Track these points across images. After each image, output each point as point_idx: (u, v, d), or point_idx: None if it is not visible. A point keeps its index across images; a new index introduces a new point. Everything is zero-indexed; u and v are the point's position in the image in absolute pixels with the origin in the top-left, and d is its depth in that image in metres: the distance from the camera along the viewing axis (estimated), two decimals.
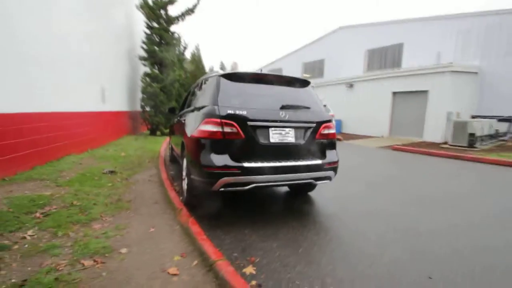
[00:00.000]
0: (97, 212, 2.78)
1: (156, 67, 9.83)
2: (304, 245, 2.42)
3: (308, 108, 3.13)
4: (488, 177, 5.48)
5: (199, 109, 3.14)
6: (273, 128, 2.83)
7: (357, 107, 15.47)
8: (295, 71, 23.47)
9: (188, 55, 17.34)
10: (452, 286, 1.84)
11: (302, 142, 2.97)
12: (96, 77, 6.79)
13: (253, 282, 1.78)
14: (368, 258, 2.18)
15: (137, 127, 10.65)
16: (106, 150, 6.66)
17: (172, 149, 5.57)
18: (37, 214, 2.63)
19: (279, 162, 2.81)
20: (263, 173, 2.71)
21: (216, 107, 2.73)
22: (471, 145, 9.37)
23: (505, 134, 10.83)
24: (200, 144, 2.73)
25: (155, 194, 3.59)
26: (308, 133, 3.02)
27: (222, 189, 2.65)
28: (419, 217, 3.13)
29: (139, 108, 10.27)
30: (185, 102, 5.09)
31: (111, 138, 7.95)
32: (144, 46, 9.54)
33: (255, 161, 2.72)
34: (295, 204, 3.55)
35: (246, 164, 2.65)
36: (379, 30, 17.46)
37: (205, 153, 2.67)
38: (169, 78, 9.83)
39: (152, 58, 9.57)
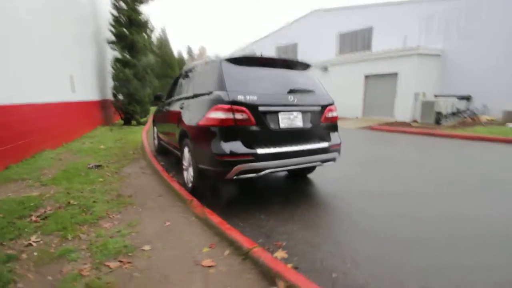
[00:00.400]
0: (101, 210, 2.58)
1: (127, 52, 9.10)
2: (322, 225, 2.49)
3: (313, 91, 3.13)
4: (463, 150, 6.03)
5: (201, 95, 2.98)
6: (282, 113, 2.79)
7: (332, 90, 15.85)
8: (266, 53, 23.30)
9: (154, 39, 16.31)
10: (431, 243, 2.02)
11: (309, 125, 2.98)
12: (62, 63, 6.11)
13: (289, 265, 1.79)
14: (374, 233, 2.31)
15: (110, 117, 9.93)
16: (82, 143, 6.14)
17: (159, 139, 5.30)
18: (33, 218, 2.36)
19: (290, 146, 2.80)
20: (276, 159, 2.69)
21: (224, 92, 2.60)
22: (437, 122, 10.17)
23: (464, 111, 11.89)
24: (210, 132, 2.61)
25: (155, 187, 3.41)
26: (315, 116, 3.03)
27: (235, 177, 2.60)
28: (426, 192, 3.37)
29: (110, 97, 9.53)
30: (172, 89, 4.82)
31: (84, 130, 7.33)
32: (112, 29, 8.73)
33: (267, 147, 2.68)
34: (299, 187, 3.60)
35: (259, 151, 2.61)
36: (350, 14, 17.78)
37: (217, 141, 2.57)
38: (141, 63, 9.18)
39: (122, 41, 8.82)
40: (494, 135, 7.29)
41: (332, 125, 3.25)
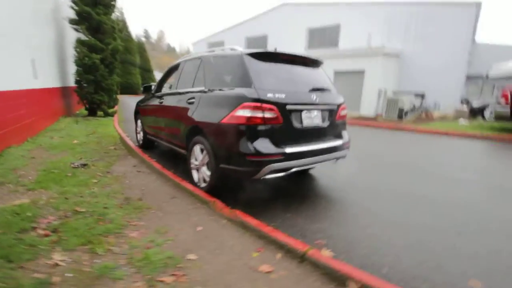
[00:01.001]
0: (118, 217, 2.31)
1: (93, 34, 8.14)
2: (351, 221, 2.58)
3: (330, 90, 3.18)
4: (431, 143, 6.72)
5: (219, 91, 2.81)
6: (305, 112, 2.79)
7: None
8: (238, 46, 22.89)
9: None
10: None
11: (327, 124, 3.03)
12: (22, 45, 5.22)
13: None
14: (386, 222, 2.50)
15: (71, 107, 8.86)
16: (50, 137, 5.40)
17: (146, 133, 4.92)
18: (39, 231, 2.02)
19: (313, 145, 2.83)
20: (301, 157, 2.70)
21: (252, 89, 2.50)
22: (400, 117, 11.17)
23: (419, 108, 13.22)
24: (237, 131, 2.50)
25: (162, 188, 3.17)
26: (331, 115, 3.09)
27: (264, 176, 2.55)
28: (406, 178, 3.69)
29: (71, 84, 8.49)
30: (163, 80, 4.48)
31: (47, 122, 6.45)
32: (75, 7, 7.70)
33: (294, 145, 2.67)
34: (303, 182, 3.67)
35: (287, 150, 2.58)
36: (319, 10, 18.25)
37: (246, 141, 2.47)
38: (110, 47, 8.31)
39: (86, 22, 7.83)
40: (452, 130, 8.29)
41: (344, 123, 3.35)
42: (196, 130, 3.09)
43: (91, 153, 4.58)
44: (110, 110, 9.18)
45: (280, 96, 2.58)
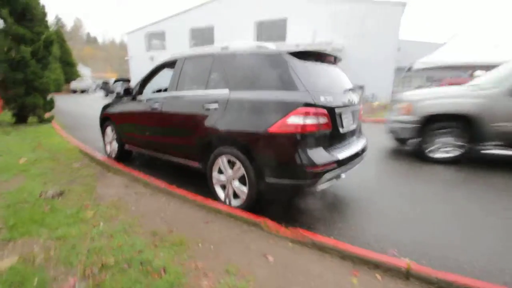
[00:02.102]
0: (167, 262, 1.81)
1: (16, 20, 6.44)
2: (393, 219, 2.58)
3: (354, 89, 3.11)
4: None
5: (257, 95, 2.44)
6: (343, 114, 2.66)
7: None
8: (181, 37, 21.42)
9: None
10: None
11: (356, 125, 2.98)
12: None
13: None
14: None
15: None
16: None
17: (122, 143, 4.14)
18: None
19: (352, 148, 2.74)
20: (347, 162, 2.58)
21: (306, 93, 2.25)
22: None
23: (360, 99, 14.58)
24: (294, 141, 2.22)
25: (184, 211, 2.66)
26: (357, 115, 3.04)
27: (321, 187, 2.36)
28: None
29: None
30: (146, 80, 3.80)
31: None
32: None
33: (342, 151, 2.54)
34: None
35: (340, 156, 2.43)
36: (267, 2, 18.29)
37: (304, 151, 2.23)
38: (43, 37, 6.74)
39: (8, 5, 6.13)
40: None
41: (361, 123, 3.36)
42: (221, 140, 2.67)
43: (55, 175, 3.62)
44: (48, 117, 7.53)
45: (329, 99, 2.38)
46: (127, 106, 3.94)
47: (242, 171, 2.53)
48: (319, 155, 2.26)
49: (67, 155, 4.64)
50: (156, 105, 3.36)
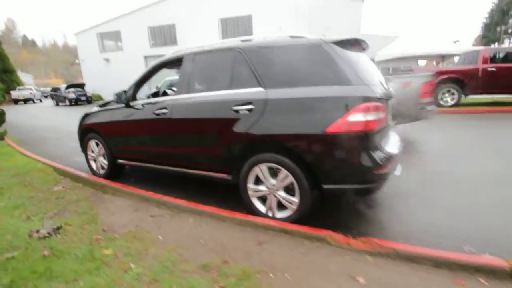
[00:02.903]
0: None
1: None
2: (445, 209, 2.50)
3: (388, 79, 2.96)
4: None
5: (303, 92, 2.13)
6: (387, 107, 2.49)
7: None
8: (139, 37, 19.95)
9: None
10: None
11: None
12: None
13: None
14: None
15: None
16: None
17: (114, 158, 3.54)
18: None
19: (394, 142, 2.59)
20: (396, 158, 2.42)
21: (365, 86, 2.01)
22: None
23: None
24: (359, 141, 1.99)
25: (221, 231, 2.26)
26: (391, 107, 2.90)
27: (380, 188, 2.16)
28: None
29: None
30: (142, 83, 3.28)
31: None
32: None
33: (392, 146, 2.36)
34: None
35: (395, 152, 2.26)
36: None
37: (370, 151, 2.00)
38: None
39: None
40: None
41: None
42: (259, 146, 2.33)
43: (38, 206, 2.94)
44: None
45: (383, 92, 2.19)
46: (119, 114, 3.34)
47: (290, 179, 2.22)
48: (382, 154, 2.05)
49: (41, 177, 3.85)
50: (162, 111, 2.86)
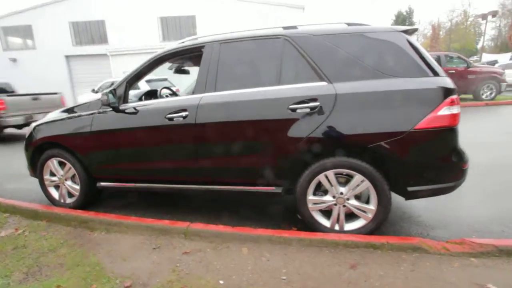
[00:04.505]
0: None
1: None
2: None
3: None
4: None
5: (384, 85, 1.87)
6: None
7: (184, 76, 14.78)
8: (57, 33, 16.86)
9: None
10: None
11: None
12: None
13: None
14: None
15: None
16: None
17: (93, 180, 2.68)
18: None
19: None
20: None
21: (446, 78, 1.89)
22: None
23: None
24: (450, 136, 1.86)
25: (290, 258, 1.82)
26: None
27: None
28: None
29: None
30: (137, 77, 2.58)
31: None
32: None
33: None
34: None
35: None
36: None
37: (456, 146, 1.90)
38: None
39: None
40: None
41: None
42: (327, 150, 1.98)
43: None
44: None
45: None
46: (105, 121, 2.50)
47: (365, 185, 1.94)
48: (463, 148, 1.96)
49: None
50: (181, 115, 2.23)
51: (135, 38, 16.36)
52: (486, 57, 23.13)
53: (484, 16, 19.17)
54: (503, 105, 9.07)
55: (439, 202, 2.56)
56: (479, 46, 35.65)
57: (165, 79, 9.25)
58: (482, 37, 24.09)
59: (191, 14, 16.90)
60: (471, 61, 10.67)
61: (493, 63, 15.95)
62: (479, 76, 9.28)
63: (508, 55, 21.60)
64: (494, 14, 19.31)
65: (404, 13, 38.13)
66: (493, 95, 9.40)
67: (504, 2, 33.19)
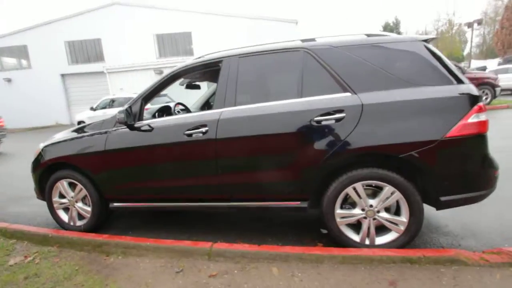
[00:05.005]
0: None
1: None
2: None
3: None
4: None
5: (409, 94, 1.85)
6: None
7: (173, 93, 14.81)
8: (53, 52, 16.89)
9: None
10: None
11: None
12: None
13: None
14: None
15: None
16: None
17: (103, 202, 2.58)
18: None
19: None
20: None
21: (472, 86, 1.89)
22: None
23: None
24: (481, 143, 1.82)
25: (324, 277, 1.74)
26: None
27: None
28: None
29: None
30: (153, 94, 2.54)
31: None
32: None
33: None
34: None
35: None
36: (167, 15, 16.88)
37: (487, 153, 1.86)
38: None
39: None
40: None
41: None
42: (354, 161, 1.94)
43: None
44: None
45: None
46: (120, 139, 2.43)
47: (396, 196, 1.89)
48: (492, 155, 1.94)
49: None
50: (200, 130, 2.17)
51: (132, 55, 16.44)
52: (475, 63, 23.81)
53: (469, 24, 19.84)
54: (499, 110, 9.22)
55: (460, 210, 2.52)
56: (465, 53, 36.84)
57: (165, 95, 9.22)
58: (469, 44, 24.92)
59: (187, 30, 17.13)
60: (465, 68, 10.91)
61: (483, 68, 16.40)
62: (474, 82, 9.42)
63: (496, 60, 22.27)
64: (479, 22, 20.01)
65: (391, 24, 39.31)
66: (488, 100, 9.56)
67: (487, 10, 34.59)
